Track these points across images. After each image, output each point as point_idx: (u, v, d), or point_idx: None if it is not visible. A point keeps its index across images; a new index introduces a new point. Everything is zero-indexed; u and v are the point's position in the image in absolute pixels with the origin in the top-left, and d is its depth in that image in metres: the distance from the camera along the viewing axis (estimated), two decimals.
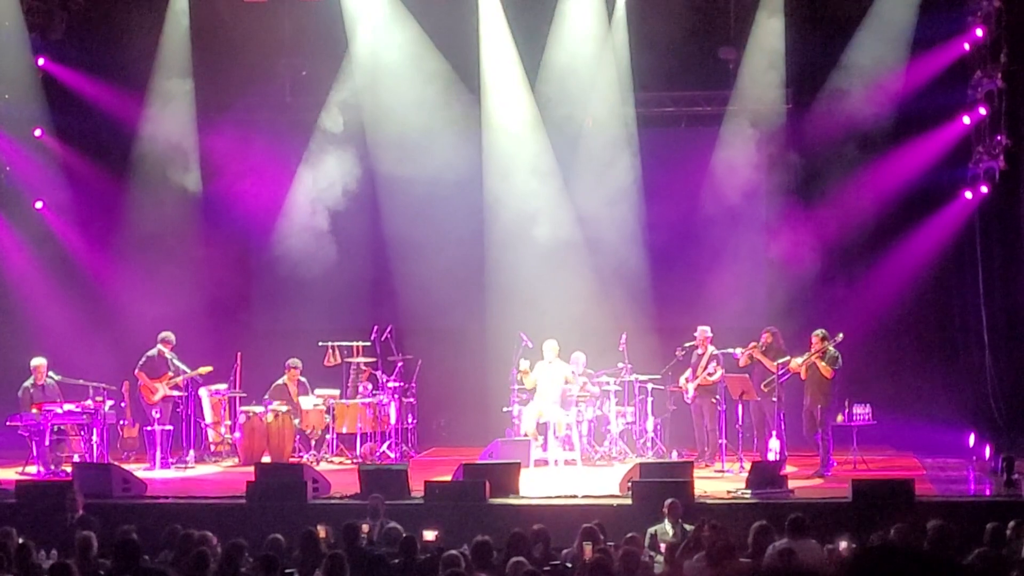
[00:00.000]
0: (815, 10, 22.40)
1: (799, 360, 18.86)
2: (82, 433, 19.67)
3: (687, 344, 20.17)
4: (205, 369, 20.45)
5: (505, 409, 20.41)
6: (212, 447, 21.18)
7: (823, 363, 18.64)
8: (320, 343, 21.30)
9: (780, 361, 18.95)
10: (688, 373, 20.19)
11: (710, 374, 19.87)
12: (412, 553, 12.25)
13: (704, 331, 20.11)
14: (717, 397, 19.73)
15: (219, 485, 18.34)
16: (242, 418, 20.56)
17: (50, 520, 15.04)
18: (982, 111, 21.03)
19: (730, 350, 19.76)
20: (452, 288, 22.53)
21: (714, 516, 13.20)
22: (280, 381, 20.95)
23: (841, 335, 18.74)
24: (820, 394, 18.73)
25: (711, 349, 19.98)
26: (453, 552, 11.40)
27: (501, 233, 22.85)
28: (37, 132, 22.91)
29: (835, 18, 22.23)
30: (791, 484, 16.94)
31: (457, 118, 22.94)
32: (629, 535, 12.75)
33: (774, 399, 19.07)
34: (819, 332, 18.85)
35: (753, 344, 19.43)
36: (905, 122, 21.71)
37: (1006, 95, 20.54)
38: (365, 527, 13.79)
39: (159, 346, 20.32)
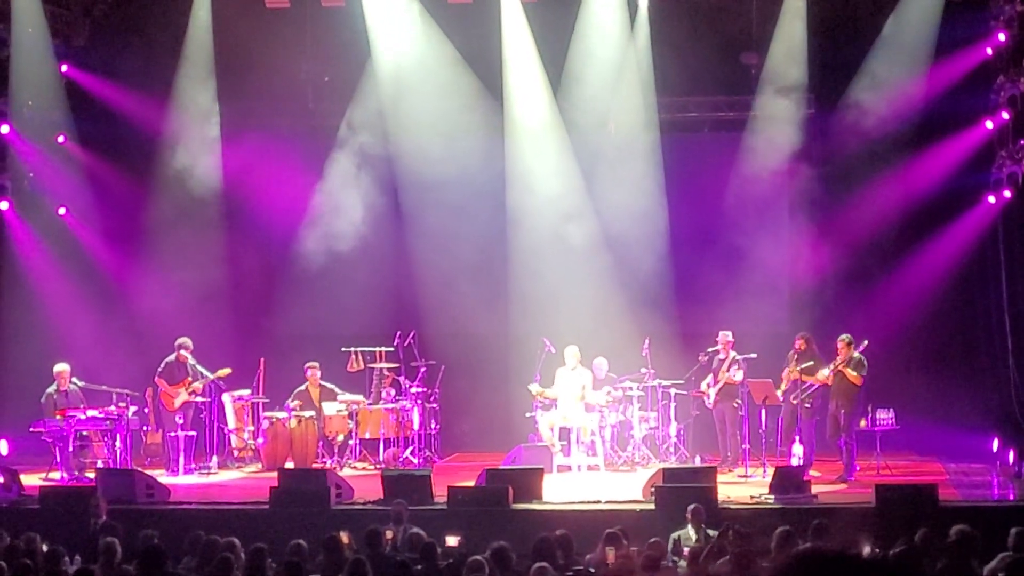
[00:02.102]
0: (838, 15, 22.33)
1: (826, 372, 18.86)
2: (105, 439, 19.70)
3: (710, 349, 20.14)
4: (224, 372, 20.45)
5: (528, 415, 20.38)
6: (235, 453, 21.20)
7: (851, 371, 18.63)
8: (343, 349, 21.30)
9: (805, 368, 18.94)
10: (710, 378, 20.16)
11: (736, 371, 19.76)
12: (432, 559, 12.26)
13: (726, 336, 20.06)
14: (739, 402, 19.69)
15: (242, 491, 18.37)
16: (265, 424, 20.60)
17: (73, 526, 15.05)
18: (1005, 116, 20.98)
19: (752, 355, 19.72)
20: (475, 293, 22.53)
21: (737, 521, 13.16)
22: (301, 388, 20.97)
23: (866, 341, 18.72)
24: (846, 399, 18.73)
25: (733, 354, 19.93)
26: (478, 557, 11.39)
27: (524, 238, 22.85)
28: (60, 138, 22.96)
29: (858, 23, 22.21)
30: (815, 489, 16.92)
31: (480, 123, 22.94)
32: (652, 540, 12.74)
33: (808, 405, 19.09)
34: (844, 337, 18.83)
35: (790, 366, 19.31)
36: (928, 127, 21.66)
37: None
38: (388, 533, 13.80)
39: (177, 352, 20.36)
